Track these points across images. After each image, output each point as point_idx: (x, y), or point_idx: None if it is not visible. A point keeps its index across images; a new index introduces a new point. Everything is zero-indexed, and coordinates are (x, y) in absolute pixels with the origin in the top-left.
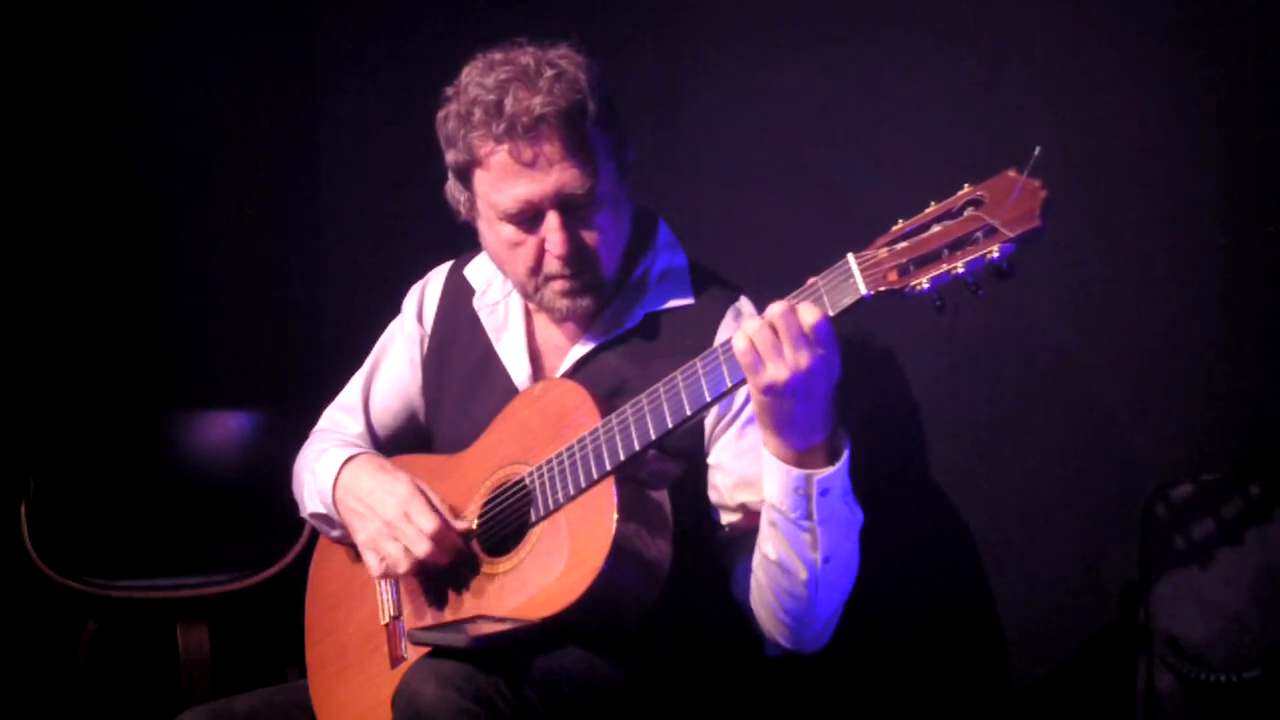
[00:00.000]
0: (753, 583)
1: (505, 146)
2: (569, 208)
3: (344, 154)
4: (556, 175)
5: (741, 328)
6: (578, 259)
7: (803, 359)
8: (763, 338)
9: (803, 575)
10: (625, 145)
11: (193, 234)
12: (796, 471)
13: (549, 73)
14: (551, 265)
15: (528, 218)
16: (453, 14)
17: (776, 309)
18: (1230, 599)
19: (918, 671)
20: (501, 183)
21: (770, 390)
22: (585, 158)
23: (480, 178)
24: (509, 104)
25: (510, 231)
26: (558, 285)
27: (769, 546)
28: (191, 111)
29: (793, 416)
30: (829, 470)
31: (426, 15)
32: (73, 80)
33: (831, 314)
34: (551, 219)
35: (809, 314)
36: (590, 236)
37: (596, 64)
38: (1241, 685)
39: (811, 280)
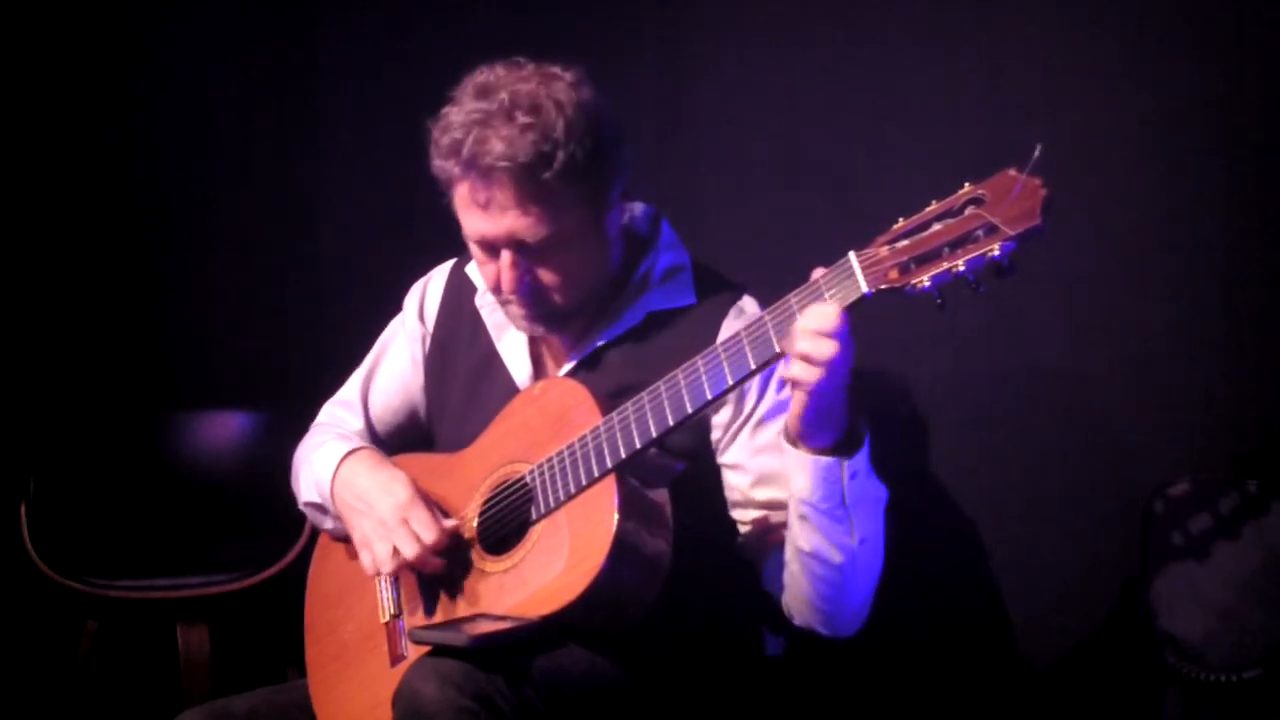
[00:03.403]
0: (786, 576)
1: (465, 183)
2: (522, 249)
3: (344, 154)
4: (509, 222)
5: (795, 333)
6: (530, 294)
7: (833, 361)
8: (808, 341)
9: (837, 560)
10: (610, 184)
11: (193, 234)
12: (826, 460)
13: (522, 120)
14: (507, 294)
15: (485, 248)
16: (453, 13)
17: (810, 317)
18: (1230, 598)
19: (918, 670)
20: (463, 211)
21: (813, 393)
22: (544, 207)
23: (453, 195)
24: (468, 145)
25: (475, 250)
26: (514, 309)
27: (801, 540)
28: (191, 111)
29: (829, 413)
30: (855, 455)
31: (427, 15)
32: (73, 80)
33: None
34: (505, 257)
35: (829, 314)
36: (547, 275)
37: (596, 101)
38: (1241, 685)
39: (813, 279)
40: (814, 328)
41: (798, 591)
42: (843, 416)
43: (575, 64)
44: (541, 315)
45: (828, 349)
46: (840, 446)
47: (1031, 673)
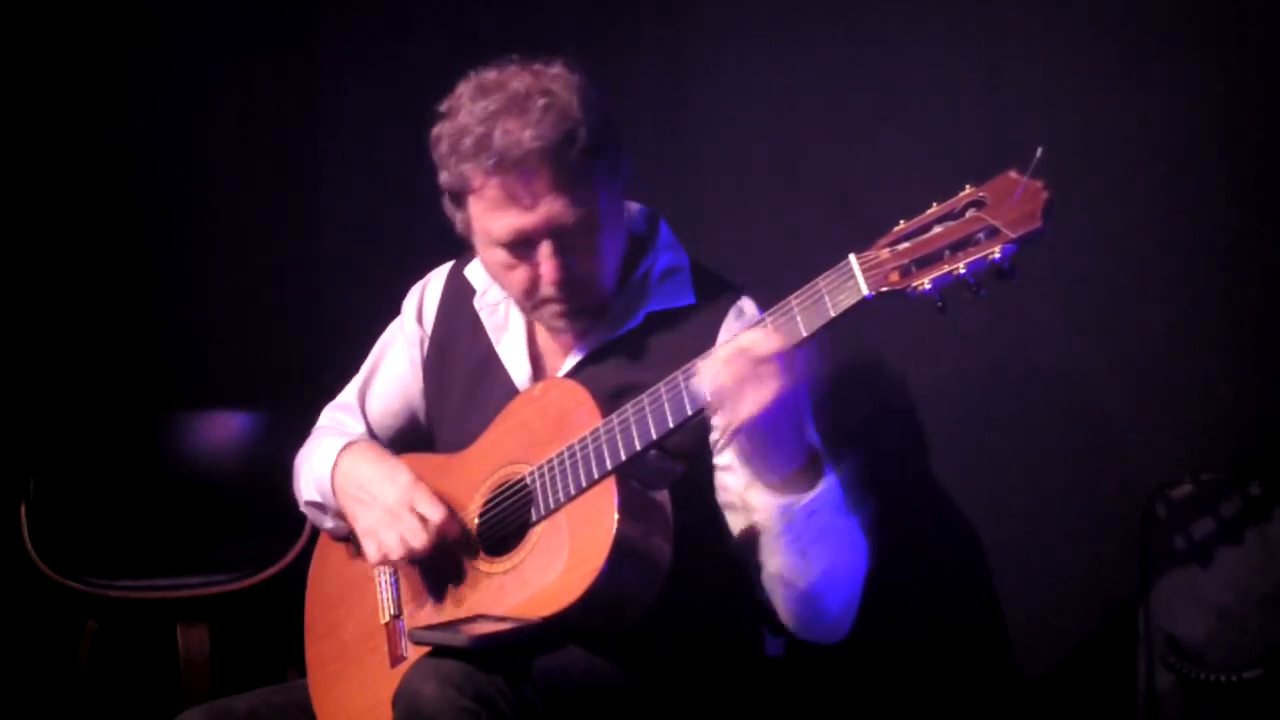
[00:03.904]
0: (765, 584)
1: (496, 180)
2: (561, 236)
3: (344, 154)
4: (547, 208)
5: (705, 370)
6: (571, 284)
7: (766, 393)
8: (727, 377)
9: (803, 585)
10: (621, 161)
11: (192, 234)
12: (781, 500)
13: (540, 102)
14: (546, 290)
15: (520, 245)
16: (453, 14)
17: (731, 348)
18: (1230, 599)
19: (918, 671)
20: (494, 212)
21: (742, 430)
22: (577, 187)
23: (474, 203)
24: (497, 137)
25: (503, 255)
26: (553, 308)
27: (768, 560)
28: (191, 111)
29: (766, 450)
30: (811, 495)
31: (427, 15)
32: (73, 80)
33: (833, 314)
34: (544, 248)
35: (766, 346)
36: (584, 262)
37: (591, 83)
38: (1241, 685)
39: (814, 281)
40: (741, 348)
41: (774, 601)
42: (789, 455)
43: (560, 58)
44: (579, 309)
45: (728, 377)
46: (796, 480)
47: (1031, 673)
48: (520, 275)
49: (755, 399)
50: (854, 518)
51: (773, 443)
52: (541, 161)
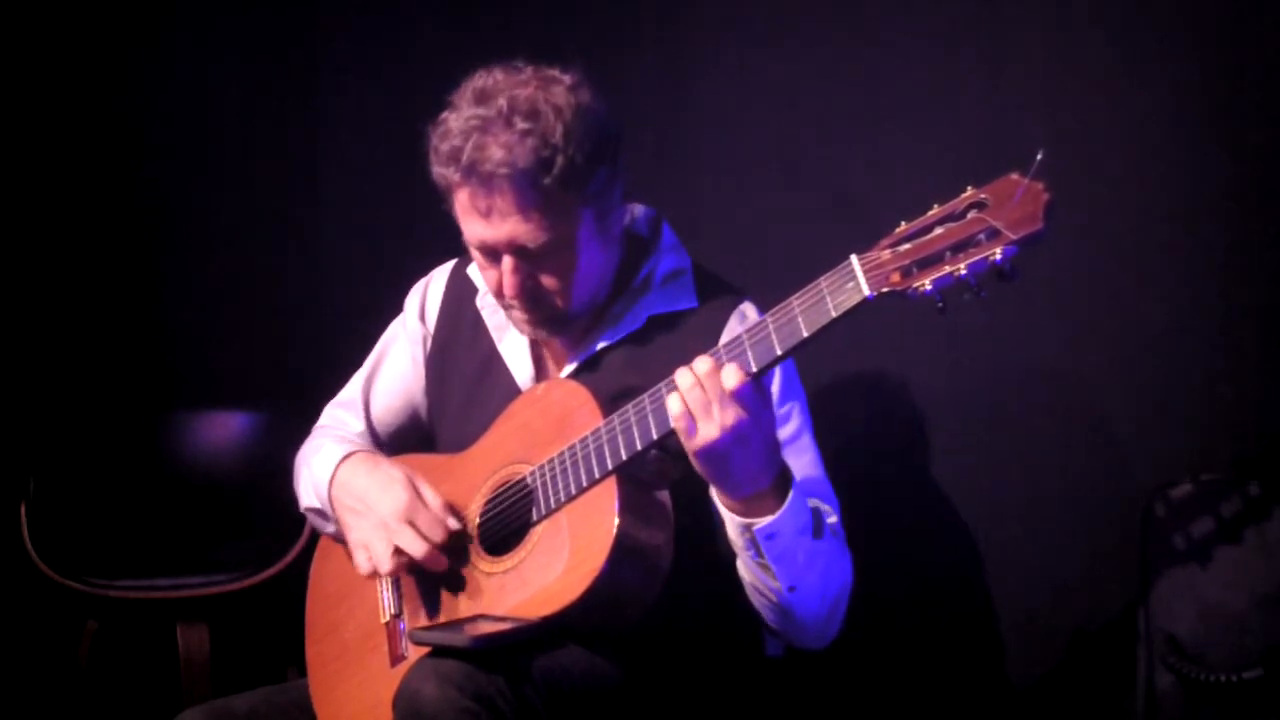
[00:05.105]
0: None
1: (465, 189)
2: (523, 254)
3: (344, 154)
4: (510, 227)
5: (674, 389)
6: (533, 298)
7: (729, 417)
8: (694, 398)
9: (774, 598)
10: (611, 186)
11: (193, 234)
12: (739, 520)
13: (521, 125)
14: (508, 299)
15: (487, 252)
16: (453, 14)
17: (702, 368)
18: (1230, 599)
19: (918, 671)
20: (465, 215)
21: (705, 451)
22: (545, 212)
23: (455, 201)
24: (468, 151)
25: (477, 255)
26: (517, 314)
27: (741, 570)
28: (191, 111)
29: (729, 471)
30: (770, 519)
31: (427, 15)
32: (73, 80)
33: (834, 315)
34: (506, 262)
35: (731, 378)
36: (549, 279)
37: (592, 104)
38: (1241, 685)
39: (815, 281)
40: (705, 371)
41: (755, 607)
42: (752, 477)
43: (573, 66)
44: (544, 319)
45: (698, 398)
46: (759, 501)
47: (1031, 673)
48: (491, 277)
49: (719, 419)
50: (827, 540)
51: (736, 463)
52: (507, 183)
